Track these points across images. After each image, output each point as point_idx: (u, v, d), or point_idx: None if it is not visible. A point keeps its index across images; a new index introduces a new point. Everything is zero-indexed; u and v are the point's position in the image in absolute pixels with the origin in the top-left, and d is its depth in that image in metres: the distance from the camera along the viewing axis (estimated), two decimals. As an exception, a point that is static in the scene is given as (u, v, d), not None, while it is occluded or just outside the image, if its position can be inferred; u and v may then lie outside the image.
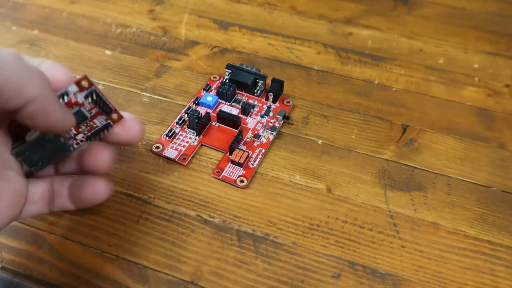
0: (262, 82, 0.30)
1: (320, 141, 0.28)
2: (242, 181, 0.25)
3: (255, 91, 0.30)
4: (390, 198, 0.25)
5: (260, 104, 0.30)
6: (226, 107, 0.30)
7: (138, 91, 0.31)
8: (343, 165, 0.27)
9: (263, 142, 0.27)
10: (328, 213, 0.24)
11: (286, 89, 0.32)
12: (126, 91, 0.31)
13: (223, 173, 0.25)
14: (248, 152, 0.26)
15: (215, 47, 0.36)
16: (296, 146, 0.28)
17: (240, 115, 0.29)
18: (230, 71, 0.31)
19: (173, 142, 0.27)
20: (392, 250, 0.23)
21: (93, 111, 0.18)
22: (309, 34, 0.38)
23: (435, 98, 0.32)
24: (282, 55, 0.35)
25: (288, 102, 0.30)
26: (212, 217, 0.24)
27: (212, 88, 0.31)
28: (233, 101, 0.30)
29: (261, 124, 0.28)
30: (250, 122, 0.29)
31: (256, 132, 0.28)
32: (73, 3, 0.39)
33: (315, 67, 0.34)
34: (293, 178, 0.26)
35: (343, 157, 0.27)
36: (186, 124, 0.28)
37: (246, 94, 0.31)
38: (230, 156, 0.26)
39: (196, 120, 0.27)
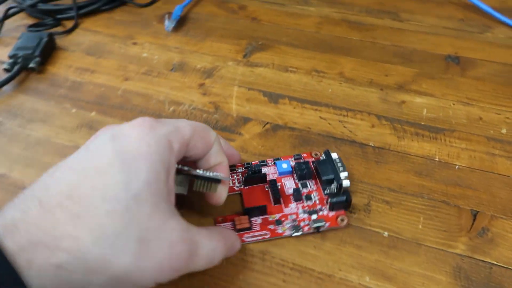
0: (337, 187, 0.28)
1: (386, 233, 0.27)
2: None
3: (324, 189, 0.29)
4: (470, 303, 0.24)
5: (315, 200, 0.28)
6: (289, 181, 0.30)
7: (195, 178, 0.31)
8: (413, 263, 0.26)
9: (275, 231, 0.27)
10: (404, 323, 0.23)
11: (344, 170, 0.31)
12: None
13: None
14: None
15: (267, 123, 0.35)
16: (362, 240, 0.27)
17: (282, 197, 0.29)
18: (323, 157, 0.30)
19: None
20: None
21: None
22: (360, 104, 0.37)
23: (502, 176, 0.31)
24: (336, 130, 0.35)
25: (342, 220, 0.27)
26: (283, 329, 0.23)
27: (302, 158, 0.31)
28: (300, 180, 0.30)
29: (290, 216, 0.28)
30: (288, 208, 0.28)
31: (282, 218, 0.27)
32: (127, 80, 0.41)
33: (371, 143, 0.33)
34: (362, 280, 0.25)
35: (412, 252, 0.26)
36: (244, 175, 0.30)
37: (315, 183, 0.29)
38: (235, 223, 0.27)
39: (251, 172, 0.29)
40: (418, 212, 0.28)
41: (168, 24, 0.47)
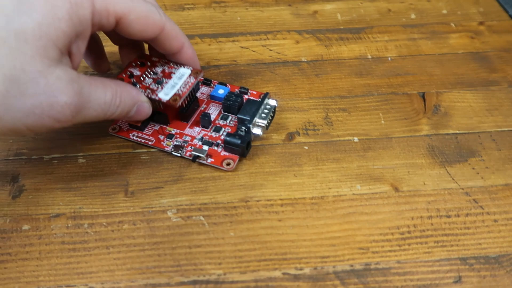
0: (244, 130, 0.24)
1: (356, 139, 0.26)
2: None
3: (239, 128, 0.25)
4: (454, 174, 0.24)
5: (221, 134, 0.25)
6: (215, 108, 0.27)
7: (130, 150, 0.25)
8: (392, 157, 0.25)
9: (160, 142, 0.25)
10: (410, 214, 0.22)
11: (288, 91, 0.29)
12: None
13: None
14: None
15: (187, 68, 0.30)
16: (337, 153, 0.25)
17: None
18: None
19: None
20: (489, 229, 0.22)
21: None
22: (276, 24, 0.34)
23: (429, 56, 0.31)
24: (263, 56, 0.31)
25: (228, 164, 0.24)
26: (301, 269, 0.20)
27: (247, 93, 0.28)
28: (224, 111, 0.26)
29: (185, 137, 0.25)
30: (191, 130, 0.26)
31: (177, 136, 0.25)
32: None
33: (303, 59, 0.31)
34: (354, 189, 0.23)
35: (387, 147, 0.25)
36: None
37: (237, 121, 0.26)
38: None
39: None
40: (375, 109, 0.28)
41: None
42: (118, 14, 0.20)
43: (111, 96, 0.21)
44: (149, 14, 0.21)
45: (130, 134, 0.25)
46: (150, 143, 0.25)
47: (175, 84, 0.24)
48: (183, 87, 0.24)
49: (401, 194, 0.23)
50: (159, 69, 0.25)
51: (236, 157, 0.24)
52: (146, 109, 0.23)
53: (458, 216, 0.22)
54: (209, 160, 0.24)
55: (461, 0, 0.37)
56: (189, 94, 0.24)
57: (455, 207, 0.23)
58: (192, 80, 0.24)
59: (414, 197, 0.23)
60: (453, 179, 0.24)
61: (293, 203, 0.23)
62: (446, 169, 0.24)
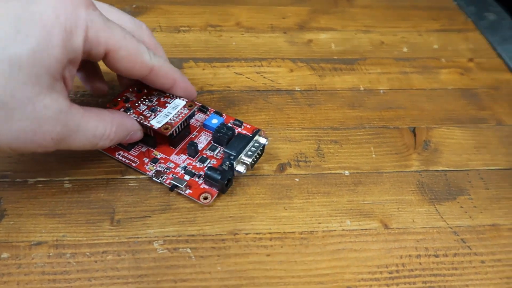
0: (228, 165, 0.24)
1: (347, 172, 0.26)
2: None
3: (224, 162, 0.24)
4: (443, 212, 0.24)
5: (206, 165, 0.25)
6: (205, 138, 0.26)
7: (118, 175, 0.25)
8: (382, 192, 0.25)
9: (143, 165, 0.25)
10: (399, 253, 0.22)
11: (281, 120, 0.29)
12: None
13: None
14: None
15: (180, 92, 0.30)
16: (327, 186, 0.25)
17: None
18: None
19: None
20: (476, 270, 0.22)
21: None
22: (271, 51, 0.34)
23: (421, 90, 0.32)
24: (257, 83, 0.31)
25: (205, 198, 0.23)
26: (288, 307, 0.20)
27: (240, 126, 0.27)
28: (214, 142, 0.26)
29: (169, 163, 0.25)
30: (176, 157, 0.25)
31: (162, 160, 0.25)
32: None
33: (297, 88, 0.31)
34: (344, 225, 0.23)
35: (377, 182, 0.25)
36: None
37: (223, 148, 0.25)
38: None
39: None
40: (366, 143, 0.28)
41: None
42: (108, 47, 0.20)
43: (103, 131, 0.21)
44: (138, 55, 0.21)
45: (116, 153, 0.25)
46: (133, 164, 0.24)
47: (169, 114, 0.24)
48: (176, 117, 0.24)
49: (391, 231, 0.23)
50: (154, 98, 0.25)
51: (215, 192, 0.24)
52: (138, 136, 0.24)
53: (446, 256, 0.22)
54: (187, 191, 0.23)
55: (452, 36, 0.37)
56: (181, 123, 0.24)
57: (444, 246, 0.23)
58: (186, 111, 0.24)
59: (403, 234, 0.23)
60: (442, 217, 0.24)
61: (282, 237, 0.22)
62: (435, 207, 0.24)
